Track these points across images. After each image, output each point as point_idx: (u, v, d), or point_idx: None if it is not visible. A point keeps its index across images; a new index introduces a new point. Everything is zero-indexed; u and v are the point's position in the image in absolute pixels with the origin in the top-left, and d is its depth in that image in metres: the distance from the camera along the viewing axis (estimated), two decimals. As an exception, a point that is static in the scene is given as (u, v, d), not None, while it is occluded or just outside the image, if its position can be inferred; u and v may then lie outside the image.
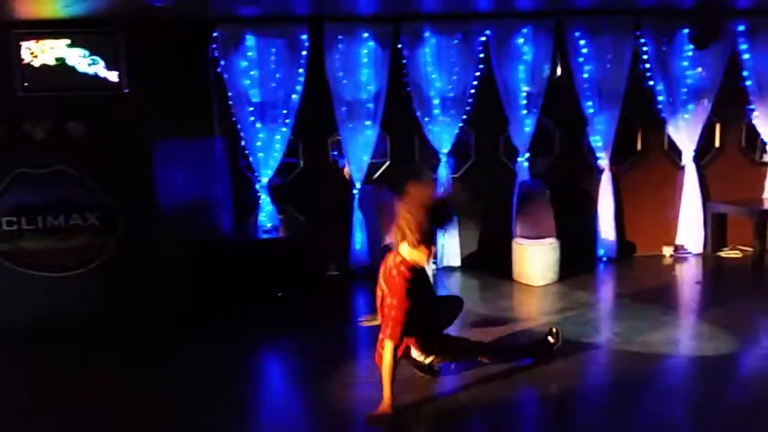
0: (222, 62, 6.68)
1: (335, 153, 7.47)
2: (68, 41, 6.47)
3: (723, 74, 7.24)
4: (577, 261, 6.98)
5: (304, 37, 6.74)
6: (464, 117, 7.09)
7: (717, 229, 7.70)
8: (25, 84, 6.46)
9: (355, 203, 7.09)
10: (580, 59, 7.08)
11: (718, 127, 7.70)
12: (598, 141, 7.29)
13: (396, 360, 3.67)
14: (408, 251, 3.76)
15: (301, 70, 6.77)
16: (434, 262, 6.88)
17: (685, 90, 7.26)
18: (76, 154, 5.27)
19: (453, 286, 6.69)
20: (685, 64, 7.21)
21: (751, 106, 7.45)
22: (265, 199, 6.95)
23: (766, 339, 5.04)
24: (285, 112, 6.81)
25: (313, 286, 6.67)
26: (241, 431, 3.53)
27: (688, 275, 7.04)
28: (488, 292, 6.33)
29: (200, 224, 6.15)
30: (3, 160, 5.16)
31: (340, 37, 6.79)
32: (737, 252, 7.60)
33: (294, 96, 6.79)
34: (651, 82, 7.27)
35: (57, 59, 6.49)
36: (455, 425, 3.60)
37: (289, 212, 7.17)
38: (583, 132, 7.39)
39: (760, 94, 7.37)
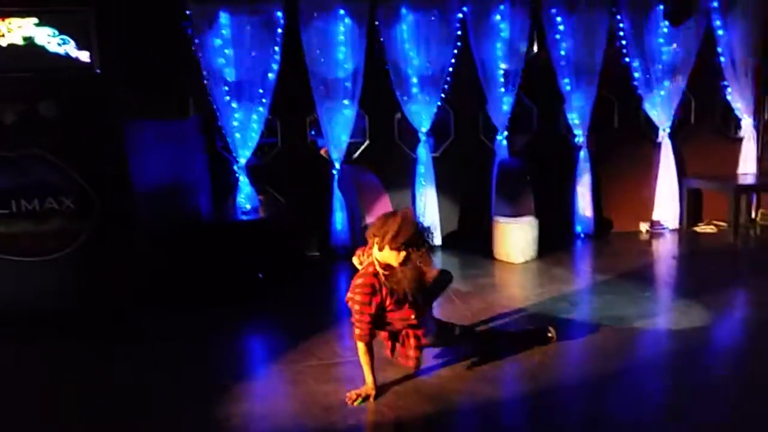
0: (196, 41, 6.55)
1: (313, 133, 7.41)
2: (36, 20, 6.29)
3: (697, 51, 7.29)
4: (556, 238, 7.09)
5: (280, 14, 6.63)
6: (443, 95, 7.08)
7: (693, 205, 7.84)
8: (-7, 65, 6.28)
9: (335, 183, 7.06)
10: (557, 36, 7.08)
11: (693, 103, 7.78)
12: (576, 118, 7.33)
13: (371, 350, 3.64)
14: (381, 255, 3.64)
15: (277, 48, 6.67)
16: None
17: (660, 66, 7.30)
18: (48, 137, 5.18)
19: (434, 264, 6.68)
20: (661, 40, 7.24)
21: (725, 82, 7.53)
22: (243, 180, 6.89)
23: (739, 311, 5.16)
24: (261, 91, 6.72)
25: (294, 267, 6.66)
26: (221, 414, 3.53)
27: (665, 250, 7.17)
28: (469, 269, 6.38)
29: (177, 206, 6.08)
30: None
31: (315, 14, 6.68)
32: (712, 227, 7.73)
33: (270, 75, 6.70)
34: (627, 59, 7.30)
35: (25, 38, 6.31)
36: (439, 401, 3.63)
37: (269, 193, 7.12)
38: (560, 109, 7.42)
39: (733, 71, 7.45)
